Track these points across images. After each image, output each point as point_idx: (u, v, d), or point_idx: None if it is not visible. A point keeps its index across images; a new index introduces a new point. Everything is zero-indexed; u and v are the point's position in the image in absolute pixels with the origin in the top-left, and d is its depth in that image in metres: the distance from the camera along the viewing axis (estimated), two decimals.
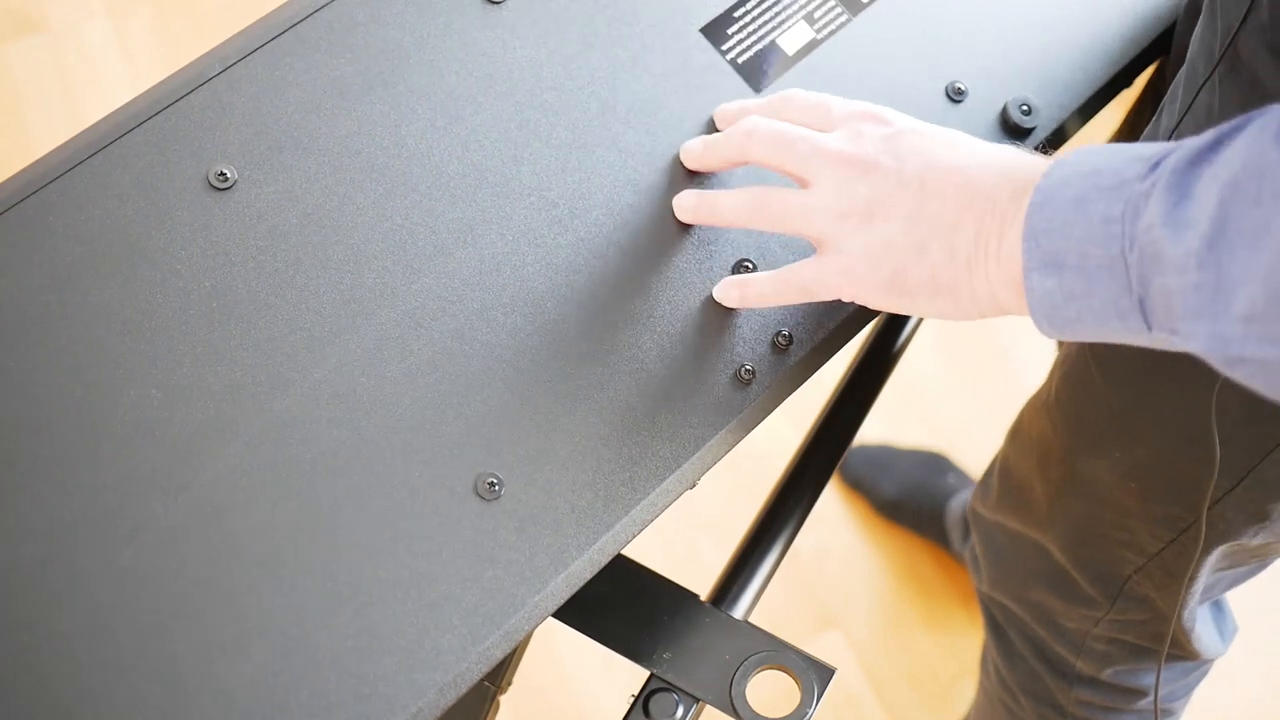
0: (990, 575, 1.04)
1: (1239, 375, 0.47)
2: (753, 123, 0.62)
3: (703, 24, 0.69)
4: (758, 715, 0.61)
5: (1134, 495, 0.82)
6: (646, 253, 0.64)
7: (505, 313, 0.62)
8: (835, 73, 0.70)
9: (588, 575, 0.59)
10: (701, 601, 0.66)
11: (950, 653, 1.45)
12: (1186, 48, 0.72)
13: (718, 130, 0.67)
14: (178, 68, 0.64)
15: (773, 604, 1.44)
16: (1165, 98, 0.72)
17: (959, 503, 1.45)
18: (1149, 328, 0.50)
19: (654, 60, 0.68)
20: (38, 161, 0.62)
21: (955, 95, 0.70)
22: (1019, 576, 1.00)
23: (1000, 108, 0.70)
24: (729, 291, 0.64)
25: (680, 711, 0.62)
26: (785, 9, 0.70)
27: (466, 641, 0.56)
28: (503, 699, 0.70)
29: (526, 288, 0.63)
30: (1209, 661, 0.99)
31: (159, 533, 0.56)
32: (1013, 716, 1.10)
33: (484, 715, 0.70)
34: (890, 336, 0.84)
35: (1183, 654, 0.95)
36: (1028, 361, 1.61)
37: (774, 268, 0.65)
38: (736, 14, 0.70)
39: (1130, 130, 0.94)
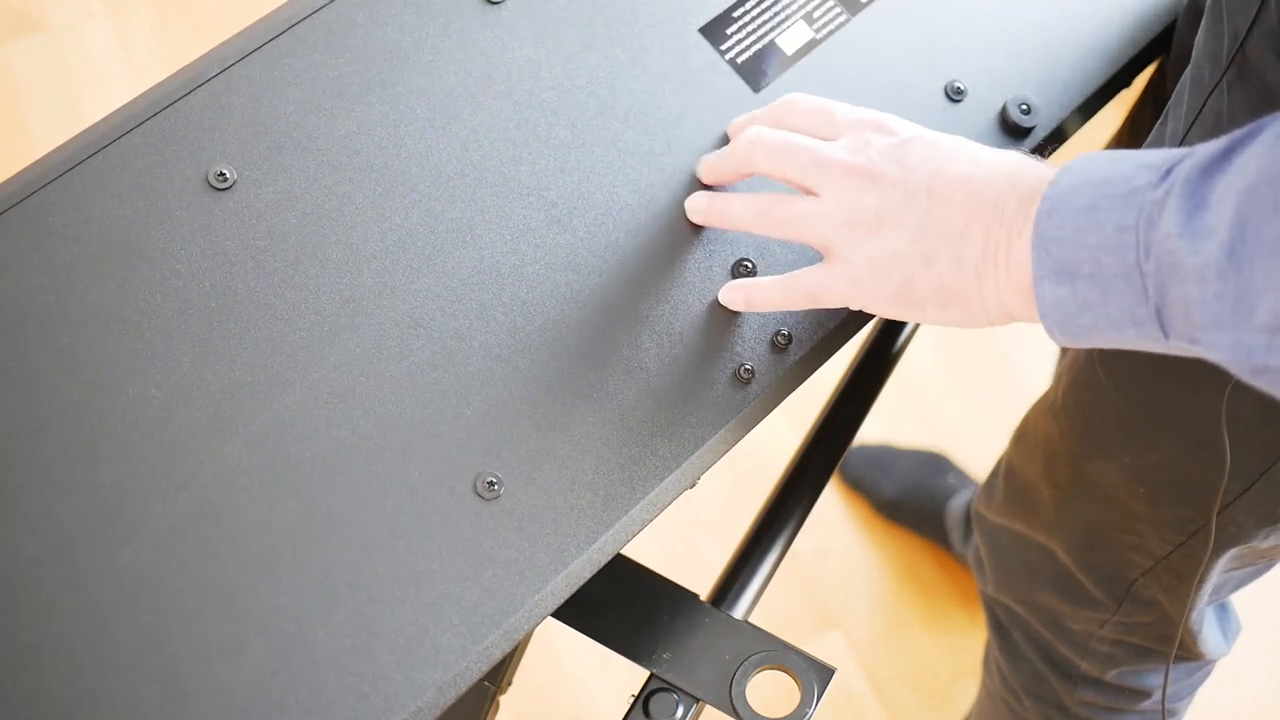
0: (995, 577, 1.04)
1: (1263, 384, 0.47)
2: (756, 133, 0.62)
3: (702, 24, 0.69)
4: (758, 715, 0.61)
5: (1143, 499, 0.82)
6: (646, 252, 0.64)
7: (504, 312, 0.62)
8: (834, 73, 0.70)
9: (587, 575, 0.59)
10: (701, 601, 0.66)
11: (950, 653, 1.45)
12: (1187, 47, 0.72)
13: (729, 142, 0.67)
14: (178, 68, 0.64)
15: (773, 604, 1.44)
16: (1170, 101, 0.72)
17: (959, 503, 1.45)
18: (1166, 336, 0.49)
19: (653, 60, 0.68)
20: (37, 161, 0.62)
21: (955, 95, 0.70)
22: (1024, 579, 1.00)
23: (1000, 107, 0.70)
24: (734, 295, 0.64)
25: (680, 711, 0.62)
26: (784, 9, 0.70)
27: (466, 640, 0.56)
28: (502, 699, 0.70)
29: (525, 287, 0.63)
30: (1212, 662, 0.99)
31: (157, 532, 0.56)
32: (1016, 717, 1.10)
33: (483, 715, 0.70)
34: (890, 337, 0.84)
35: (1188, 655, 0.95)
36: (1028, 362, 1.61)
37: (774, 267, 0.65)
38: (735, 14, 0.70)
39: (1130, 130, 0.94)
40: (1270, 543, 0.80)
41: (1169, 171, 0.49)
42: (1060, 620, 0.98)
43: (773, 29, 0.70)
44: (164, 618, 0.55)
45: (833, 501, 1.53)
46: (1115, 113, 0.88)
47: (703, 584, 0.71)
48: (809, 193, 0.61)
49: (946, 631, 1.47)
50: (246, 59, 0.64)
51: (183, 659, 0.54)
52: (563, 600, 0.59)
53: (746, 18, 0.70)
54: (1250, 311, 0.45)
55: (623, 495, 0.60)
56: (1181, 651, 0.94)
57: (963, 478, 1.49)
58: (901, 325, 0.84)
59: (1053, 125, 0.71)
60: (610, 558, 0.60)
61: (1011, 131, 0.70)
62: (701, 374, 0.63)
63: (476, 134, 0.65)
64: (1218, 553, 0.81)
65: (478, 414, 0.60)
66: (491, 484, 0.59)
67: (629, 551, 0.64)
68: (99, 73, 1.79)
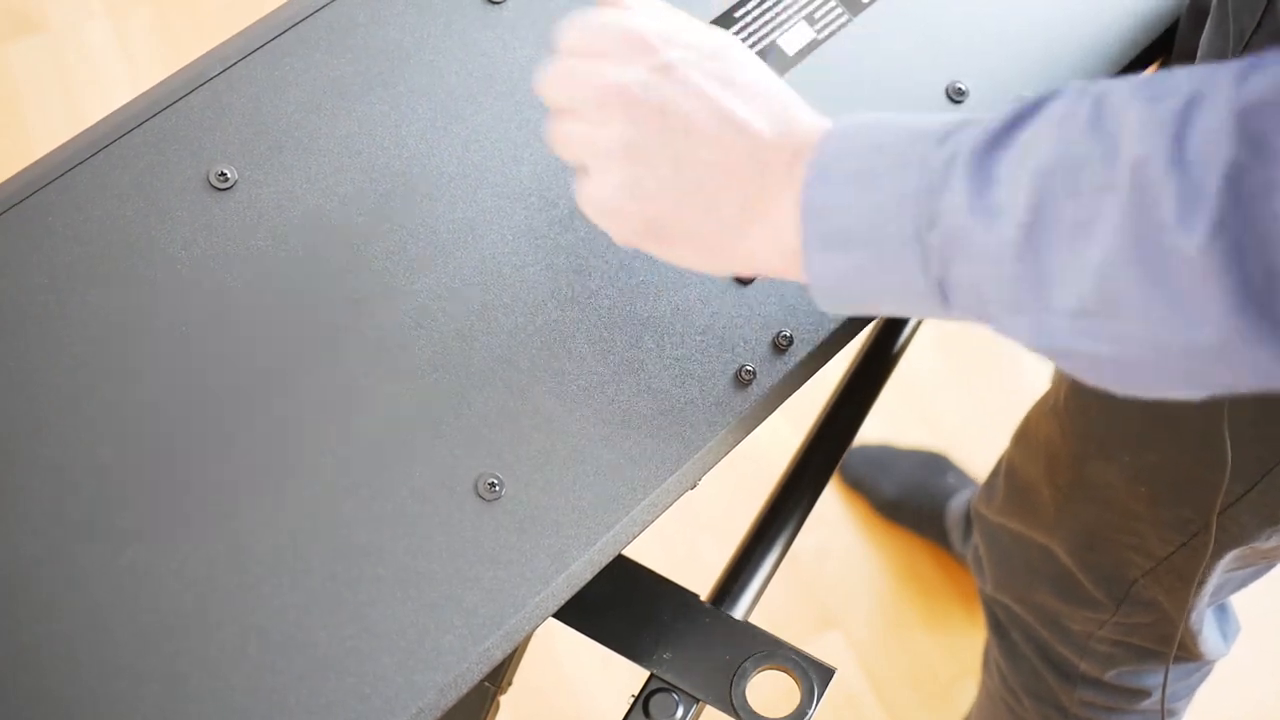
0: (994, 577, 1.04)
1: (1064, 366, 0.47)
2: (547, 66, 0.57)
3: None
4: (758, 715, 0.61)
5: (1143, 499, 0.82)
6: (646, 253, 0.64)
7: (505, 313, 0.62)
8: (835, 73, 0.70)
9: (588, 576, 0.59)
10: (701, 601, 0.66)
11: (950, 653, 1.45)
12: (1189, 48, 0.72)
13: None
14: (178, 68, 0.64)
15: (773, 604, 1.44)
16: None
17: (959, 503, 1.45)
18: (948, 308, 0.48)
19: None
20: (38, 161, 0.62)
21: (955, 95, 0.70)
22: (1023, 579, 1.00)
23: None
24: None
25: (680, 711, 0.62)
26: (785, 9, 0.70)
27: (467, 642, 0.56)
28: (503, 699, 0.70)
29: (527, 288, 0.63)
30: (1212, 662, 0.99)
31: (159, 533, 0.56)
32: (1015, 716, 1.10)
33: (484, 716, 0.70)
34: (890, 337, 0.84)
35: (1187, 655, 0.95)
36: (1028, 362, 1.61)
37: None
38: (737, 14, 0.70)
39: None
40: (1272, 543, 0.80)
41: (945, 138, 0.47)
42: (1059, 620, 0.98)
43: (774, 29, 0.70)
44: (164, 618, 0.55)
45: (833, 501, 1.53)
46: None
47: (703, 584, 0.71)
48: (570, 115, 0.56)
49: (946, 631, 1.47)
50: (247, 59, 0.64)
51: (183, 659, 0.54)
52: (564, 601, 0.59)
53: (748, 18, 0.70)
54: (1049, 296, 0.44)
55: (624, 496, 0.60)
56: (1181, 652, 0.94)
57: (963, 478, 1.49)
58: (902, 326, 0.84)
59: None
60: (611, 559, 0.60)
61: None
62: (702, 375, 0.63)
63: (478, 134, 0.65)
64: (1219, 553, 0.81)
65: (479, 415, 0.60)
66: (493, 485, 0.59)
67: (630, 552, 0.64)
68: (99, 73, 1.79)
